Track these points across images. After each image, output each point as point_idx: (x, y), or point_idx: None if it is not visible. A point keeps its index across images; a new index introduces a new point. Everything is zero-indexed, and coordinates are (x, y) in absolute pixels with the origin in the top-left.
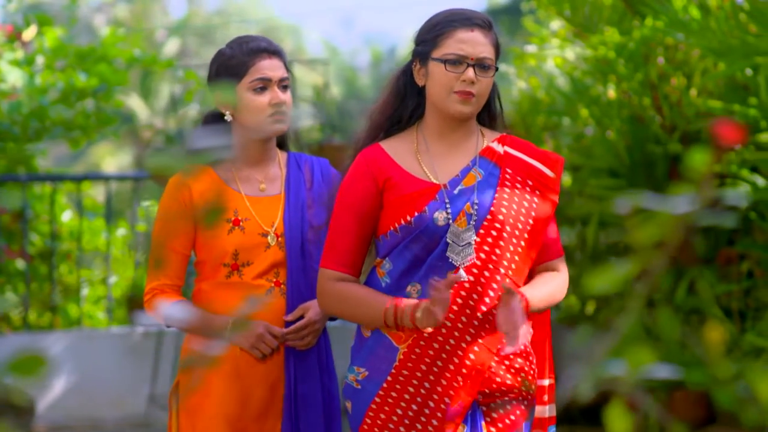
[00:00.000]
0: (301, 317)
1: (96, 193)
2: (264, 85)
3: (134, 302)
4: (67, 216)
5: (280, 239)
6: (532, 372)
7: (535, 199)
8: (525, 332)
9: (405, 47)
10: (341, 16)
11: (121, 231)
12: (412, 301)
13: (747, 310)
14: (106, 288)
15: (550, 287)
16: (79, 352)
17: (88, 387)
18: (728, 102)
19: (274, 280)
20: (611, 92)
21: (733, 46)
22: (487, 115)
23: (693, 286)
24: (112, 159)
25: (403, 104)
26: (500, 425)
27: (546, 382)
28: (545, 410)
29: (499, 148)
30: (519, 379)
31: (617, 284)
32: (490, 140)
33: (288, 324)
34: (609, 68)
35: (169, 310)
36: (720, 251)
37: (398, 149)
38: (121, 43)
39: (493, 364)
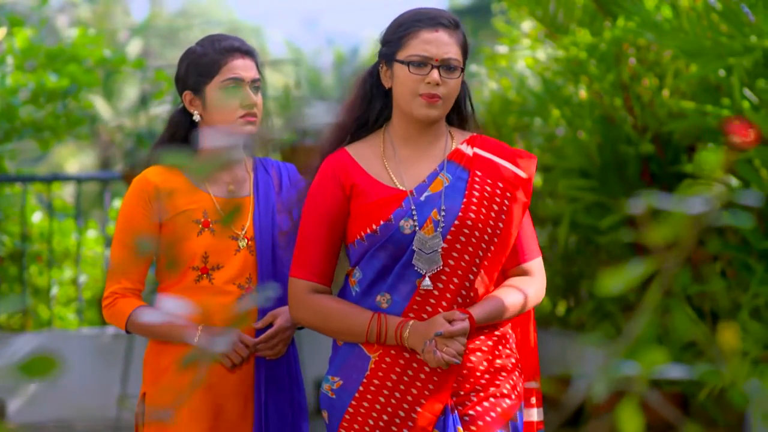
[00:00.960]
0: (271, 325)
1: (61, 194)
2: (236, 85)
3: None
4: (37, 217)
5: (250, 243)
6: (516, 372)
7: (506, 201)
8: (453, 353)
9: (368, 48)
10: (304, 17)
11: (91, 232)
12: (396, 319)
13: (719, 311)
14: (76, 289)
15: (513, 297)
16: (49, 354)
17: (59, 388)
18: (701, 103)
19: (246, 286)
20: (582, 93)
21: (706, 47)
22: (457, 117)
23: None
24: (75, 160)
25: (370, 107)
26: (479, 423)
27: (533, 384)
28: (533, 413)
29: (468, 150)
30: (500, 378)
31: (630, 285)
32: (459, 142)
33: (258, 332)
34: (580, 69)
35: (133, 315)
36: (692, 252)
37: (365, 154)
38: (90, 44)
39: (470, 364)
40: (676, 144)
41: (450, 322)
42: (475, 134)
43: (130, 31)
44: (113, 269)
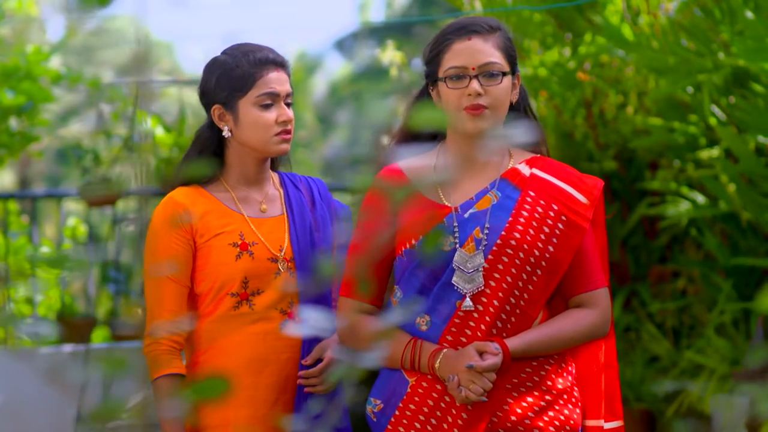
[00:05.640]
0: (320, 359)
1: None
2: (272, 100)
3: (63, 321)
4: None
5: (290, 264)
6: (564, 412)
7: (560, 225)
8: (475, 387)
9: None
10: (224, 37)
11: (45, 249)
12: (431, 347)
13: (681, 328)
14: (32, 307)
15: (560, 330)
16: (5, 373)
17: (15, 408)
18: (667, 119)
19: (288, 310)
20: (544, 109)
21: (676, 64)
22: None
23: (628, 303)
24: None
25: (420, 132)
26: None
27: (607, 424)
28: None
29: (526, 170)
30: (546, 417)
31: None
32: (518, 161)
33: (304, 367)
34: (542, 86)
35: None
36: (652, 268)
37: (416, 170)
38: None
39: (510, 400)
40: (639, 161)
41: (481, 354)
42: (538, 156)
43: (49, 49)
44: (153, 306)
